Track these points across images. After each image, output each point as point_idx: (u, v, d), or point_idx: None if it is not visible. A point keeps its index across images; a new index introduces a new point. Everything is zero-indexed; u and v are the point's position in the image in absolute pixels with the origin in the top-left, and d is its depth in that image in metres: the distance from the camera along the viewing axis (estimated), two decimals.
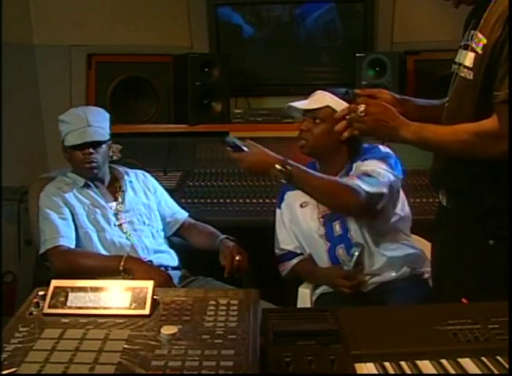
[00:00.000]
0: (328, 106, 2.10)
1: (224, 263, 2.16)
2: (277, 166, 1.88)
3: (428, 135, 1.62)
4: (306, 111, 2.16)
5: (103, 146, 2.31)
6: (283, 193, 2.30)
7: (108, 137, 2.34)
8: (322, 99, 2.13)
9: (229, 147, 1.97)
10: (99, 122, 2.31)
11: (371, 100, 1.74)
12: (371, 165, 2.06)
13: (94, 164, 2.28)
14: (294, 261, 2.27)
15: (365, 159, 2.10)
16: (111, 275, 2.07)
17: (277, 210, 2.33)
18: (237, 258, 2.14)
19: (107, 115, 2.38)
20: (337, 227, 2.14)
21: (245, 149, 1.94)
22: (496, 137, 1.48)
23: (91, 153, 2.26)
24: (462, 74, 1.60)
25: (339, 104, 2.05)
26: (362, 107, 1.68)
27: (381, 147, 2.18)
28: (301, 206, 2.22)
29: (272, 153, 1.95)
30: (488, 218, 1.60)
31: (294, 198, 2.23)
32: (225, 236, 2.31)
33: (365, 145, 2.21)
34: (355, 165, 2.13)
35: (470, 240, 1.63)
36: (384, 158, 2.09)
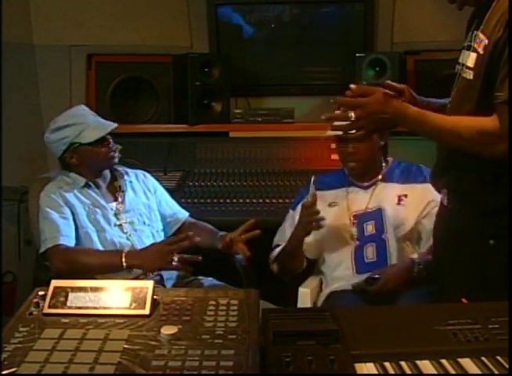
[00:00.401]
0: None
1: (224, 249, 2.23)
2: (418, 265, 2.08)
3: (428, 128, 1.59)
4: None
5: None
6: (304, 195, 2.29)
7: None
8: None
9: (368, 286, 2.09)
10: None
11: (357, 101, 1.61)
12: None
13: (117, 153, 2.32)
14: (280, 247, 2.29)
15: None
16: (113, 271, 2.09)
17: (290, 211, 2.36)
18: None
19: None
20: (370, 227, 2.20)
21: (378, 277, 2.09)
22: (497, 137, 1.48)
23: (111, 142, 2.30)
24: (464, 75, 1.60)
25: None
26: (352, 115, 1.59)
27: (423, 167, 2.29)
28: (330, 205, 2.27)
29: (402, 264, 2.12)
30: (489, 218, 1.60)
31: (322, 198, 2.24)
32: (223, 232, 2.32)
33: (403, 163, 2.34)
34: (422, 188, 2.20)
35: (471, 239, 1.63)
36: None
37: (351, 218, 2.22)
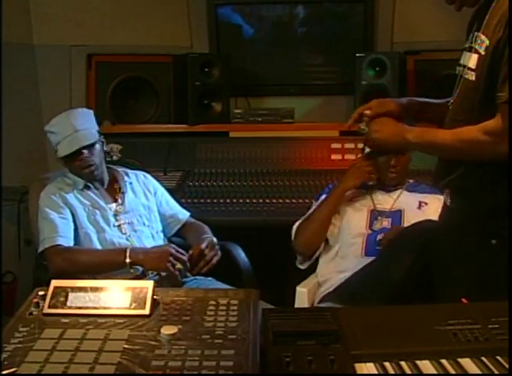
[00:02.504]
0: None
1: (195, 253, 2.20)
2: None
3: (431, 137, 1.63)
4: None
5: (96, 146, 2.29)
6: (331, 189, 2.45)
7: (97, 136, 2.31)
8: None
9: None
10: (84, 124, 2.28)
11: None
12: None
13: (92, 168, 2.27)
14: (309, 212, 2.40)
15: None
16: (116, 269, 2.09)
17: (314, 202, 2.46)
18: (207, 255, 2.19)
19: (91, 113, 2.37)
20: (386, 222, 2.31)
21: None
22: (499, 136, 1.49)
23: (87, 157, 2.25)
24: (466, 76, 1.60)
25: None
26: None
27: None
28: (351, 200, 2.40)
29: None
30: (491, 218, 1.60)
31: (346, 195, 2.40)
32: (209, 235, 2.30)
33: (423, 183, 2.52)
34: (431, 197, 2.34)
35: (473, 239, 1.63)
36: None
37: (369, 212, 2.34)
